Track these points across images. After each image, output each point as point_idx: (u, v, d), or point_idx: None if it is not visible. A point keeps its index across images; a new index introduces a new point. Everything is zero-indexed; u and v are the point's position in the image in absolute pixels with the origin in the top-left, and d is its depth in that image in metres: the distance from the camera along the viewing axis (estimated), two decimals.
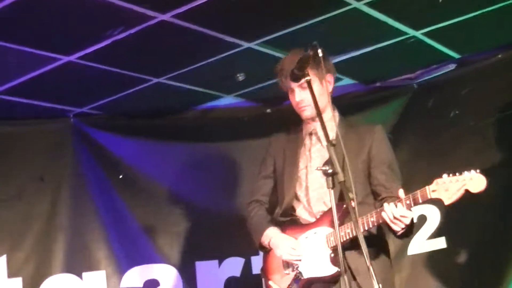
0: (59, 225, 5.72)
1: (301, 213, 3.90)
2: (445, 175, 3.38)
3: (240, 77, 5.41)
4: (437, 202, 5.56)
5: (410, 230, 3.60)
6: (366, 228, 3.53)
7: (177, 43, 4.74)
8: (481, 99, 5.61)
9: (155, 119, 6.11)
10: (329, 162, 3.18)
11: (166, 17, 4.25)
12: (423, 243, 5.79)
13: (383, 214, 3.42)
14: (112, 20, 4.24)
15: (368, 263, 2.97)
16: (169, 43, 4.72)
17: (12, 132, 5.75)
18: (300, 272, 3.73)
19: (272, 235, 3.91)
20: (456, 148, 5.68)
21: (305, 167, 3.91)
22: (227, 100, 5.99)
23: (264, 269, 3.99)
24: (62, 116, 5.87)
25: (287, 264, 3.82)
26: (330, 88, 3.83)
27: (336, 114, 3.87)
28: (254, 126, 5.86)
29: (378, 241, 3.74)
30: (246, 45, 4.88)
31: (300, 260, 3.76)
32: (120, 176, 5.95)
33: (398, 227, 3.46)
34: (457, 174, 3.36)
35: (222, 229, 5.94)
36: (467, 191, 3.33)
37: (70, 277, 5.70)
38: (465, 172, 3.37)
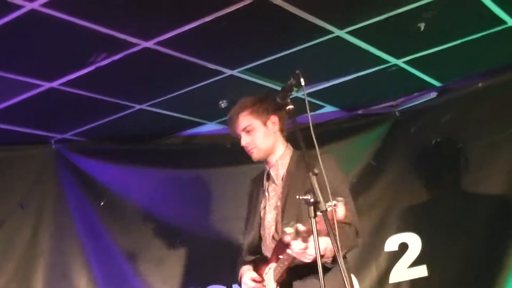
0: (40, 251, 5.67)
1: (264, 250, 4.04)
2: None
3: (223, 104, 5.42)
4: (418, 229, 5.69)
5: (333, 257, 3.56)
6: (291, 261, 3.62)
7: (160, 70, 4.75)
8: (462, 126, 5.66)
9: (137, 145, 6.09)
10: (310, 191, 3.18)
11: (150, 44, 4.27)
12: (405, 271, 5.78)
13: (288, 251, 3.53)
14: (95, 46, 4.25)
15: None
16: (152, 70, 4.74)
17: None
18: None
19: (241, 273, 4.09)
20: (439, 173, 5.73)
21: (264, 207, 4.06)
22: (210, 127, 5.99)
23: None
24: (44, 142, 5.85)
25: None
26: (276, 128, 4.00)
27: (288, 151, 4.03)
28: (236, 152, 5.81)
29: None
30: (229, 72, 4.89)
31: None
32: (102, 203, 5.92)
33: (306, 259, 3.51)
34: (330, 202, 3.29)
35: (205, 256, 5.92)
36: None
37: None
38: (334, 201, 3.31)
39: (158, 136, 6.05)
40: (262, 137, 3.98)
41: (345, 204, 3.46)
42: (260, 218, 4.06)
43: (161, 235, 5.97)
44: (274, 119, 3.99)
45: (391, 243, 5.86)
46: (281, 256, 3.74)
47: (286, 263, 3.66)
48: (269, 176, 4.08)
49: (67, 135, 5.81)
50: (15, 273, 5.56)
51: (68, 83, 4.71)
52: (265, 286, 3.92)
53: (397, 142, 6.00)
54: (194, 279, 5.95)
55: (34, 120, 5.41)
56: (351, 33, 4.50)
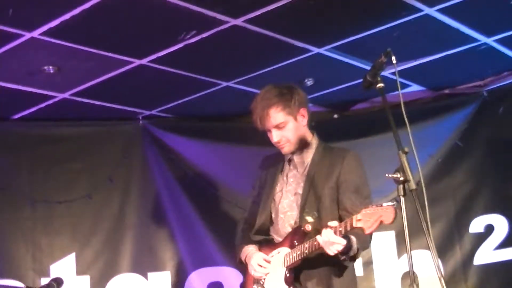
0: (127, 225, 5.85)
1: (273, 233, 4.02)
2: (371, 206, 3.42)
3: (309, 82, 5.43)
4: (506, 211, 5.60)
5: (353, 256, 3.67)
6: (312, 251, 3.64)
7: (247, 48, 4.79)
8: None
9: (223, 122, 6.18)
10: (400, 169, 3.16)
11: (238, 22, 4.30)
12: (490, 253, 5.72)
13: (318, 238, 3.53)
14: (185, 24, 4.31)
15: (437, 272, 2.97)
16: (240, 48, 4.78)
17: (83, 133, 5.91)
18: None
19: (247, 252, 4.05)
20: None
21: (281, 190, 4.02)
22: None
23: (242, 284, 4.15)
24: (132, 118, 6.00)
25: (256, 280, 3.97)
26: (305, 121, 3.96)
27: (314, 141, 4.02)
28: (321, 131, 5.82)
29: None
30: (316, 50, 4.89)
31: (264, 276, 3.91)
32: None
33: (330, 252, 3.53)
34: (379, 205, 3.39)
35: None
36: (381, 222, 3.37)
37: (136, 276, 5.83)
38: (384, 203, 3.39)
39: (245, 113, 6.08)
40: (294, 132, 3.90)
41: (366, 205, 3.56)
42: (273, 201, 4.03)
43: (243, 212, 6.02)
44: (303, 112, 3.94)
45: (477, 225, 5.80)
46: (296, 243, 3.75)
47: (306, 251, 3.65)
48: (290, 162, 4.05)
49: (154, 112, 5.94)
50: (104, 245, 5.76)
51: (157, 60, 4.80)
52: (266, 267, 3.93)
53: (485, 122, 5.90)
54: None
55: (123, 96, 5.55)
56: (440, 10, 4.43)
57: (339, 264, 3.72)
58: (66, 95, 5.29)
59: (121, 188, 5.92)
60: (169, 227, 5.96)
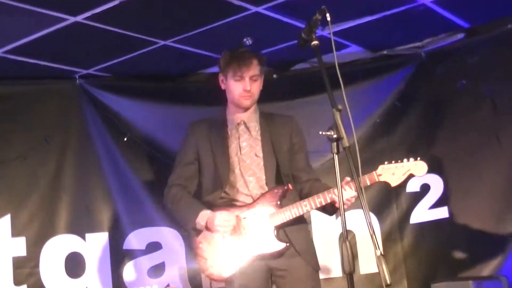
0: (63, 186, 5.75)
1: (237, 196, 4.16)
2: (386, 162, 3.85)
3: (248, 41, 5.40)
4: (441, 171, 5.69)
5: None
6: (313, 208, 3.95)
7: (185, 6, 4.70)
8: (490, 68, 5.60)
9: (161, 82, 6.11)
10: (333, 127, 3.17)
11: None
12: (426, 212, 5.84)
13: (335, 197, 3.83)
14: None
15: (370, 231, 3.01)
16: (178, 5, 4.68)
17: (18, 92, 5.74)
18: None
19: (207, 216, 4.11)
20: (465, 116, 5.70)
21: (236, 155, 4.19)
22: None
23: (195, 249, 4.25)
24: (68, 77, 5.87)
25: (229, 245, 4.07)
26: (261, 87, 4.31)
27: (257, 107, 4.34)
28: (261, 91, 5.85)
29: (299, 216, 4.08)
30: (254, 9, 4.84)
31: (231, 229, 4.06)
32: (125, 139, 5.96)
33: (346, 205, 3.81)
34: (399, 161, 3.84)
35: None
36: (411, 175, 3.82)
37: (73, 238, 5.74)
38: (405, 160, 3.86)
39: (183, 73, 6.05)
40: (258, 90, 4.26)
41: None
42: (230, 165, 4.17)
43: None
44: (262, 80, 4.30)
45: (413, 184, 5.90)
46: (279, 202, 4.00)
47: (307, 208, 3.93)
48: (239, 126, 4.25)
49: (91, 70, 5.82)
50: (40, 206, 5.64)
51: (92, 17, 4.68)
52: (239, 228, 4.07)
53: (422, 83, 6.00)
54: None
55: (58, 54, 5.41)
56: None
57: (302, 221, 4.14)
58: None
59: (57, 148, 5.79)
60: (107, 188, 5.89)
